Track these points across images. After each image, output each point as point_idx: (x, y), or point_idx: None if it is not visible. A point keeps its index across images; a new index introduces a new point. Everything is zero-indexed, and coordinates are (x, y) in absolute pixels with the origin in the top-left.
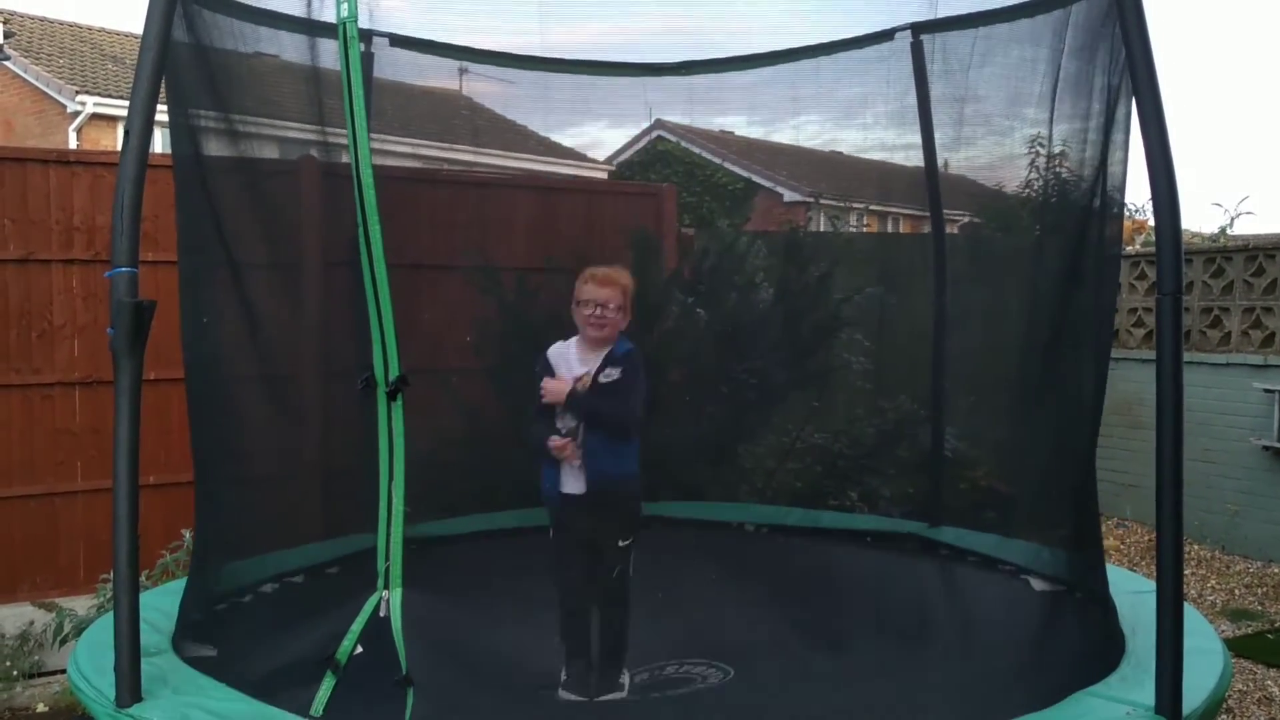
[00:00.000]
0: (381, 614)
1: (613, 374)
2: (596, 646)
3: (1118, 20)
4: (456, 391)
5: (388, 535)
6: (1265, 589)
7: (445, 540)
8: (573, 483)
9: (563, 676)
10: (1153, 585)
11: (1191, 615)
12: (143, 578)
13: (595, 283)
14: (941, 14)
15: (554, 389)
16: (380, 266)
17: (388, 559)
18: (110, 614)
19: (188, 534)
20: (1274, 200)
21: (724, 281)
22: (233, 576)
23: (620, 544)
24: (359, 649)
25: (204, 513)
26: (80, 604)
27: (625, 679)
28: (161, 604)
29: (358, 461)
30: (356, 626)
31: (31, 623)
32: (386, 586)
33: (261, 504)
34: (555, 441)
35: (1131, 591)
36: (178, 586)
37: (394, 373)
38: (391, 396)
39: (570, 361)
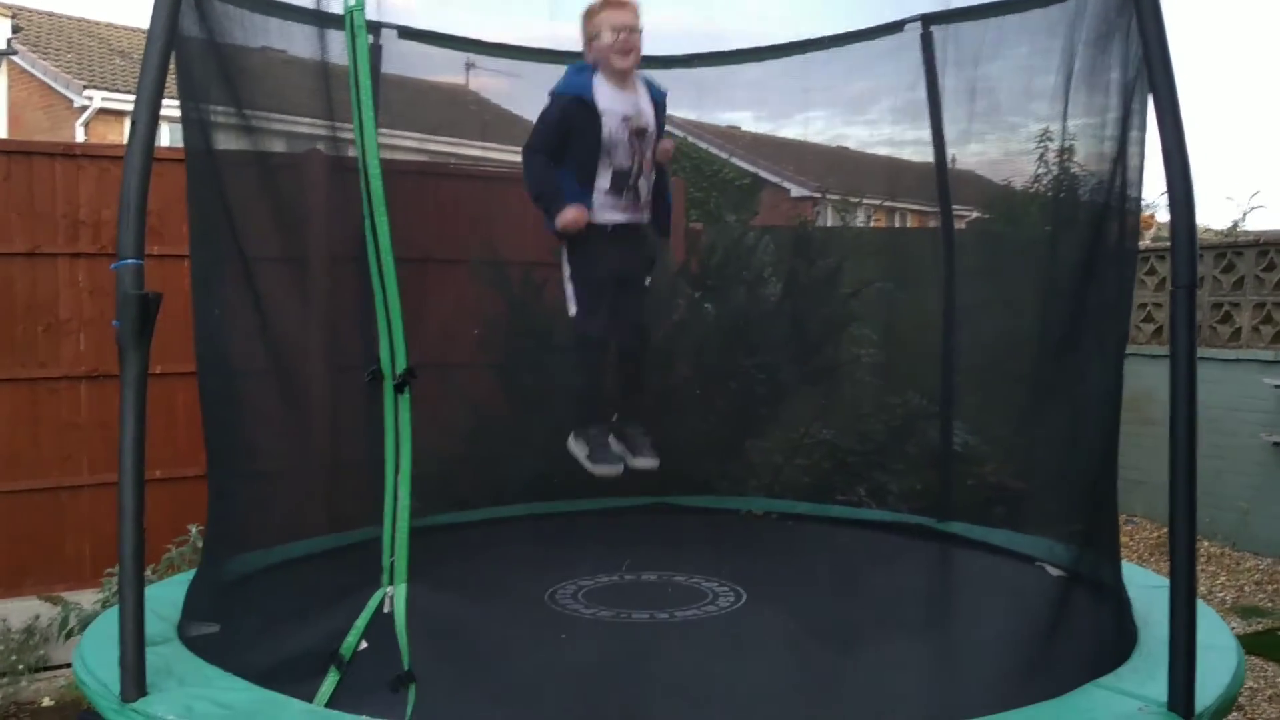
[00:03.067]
0: (385, 609)
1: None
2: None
3: (1133, 12)
4: (463, 386)
5: (393, 530)
6: (1276, 586)
7: (452, 532)
8: (633, 217)
9: (580, 445)
10: (1165, 580)
11: (1205, 611)
12: (149, 572)
13: (613, 9)
14: (953, 5)
15: (665, 149)
16: (388, 259)
17: (393, 554)
18: (115, 608)
19: (194, 529)
20: None
21: (732, 276)
22: (241, 568)
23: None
24: (363, 644)
25: (215, 505)
26: (86, 598)
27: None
28: (167, 596)
29: (366, 454)
30: (361, 622)
31: (37, 617)
32: (391, 582)
33: (272, 497)
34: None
35: (1143, 586)
36: (184, 579)
37: (401, 366)
38: (399, 390)
39: (617, 104)
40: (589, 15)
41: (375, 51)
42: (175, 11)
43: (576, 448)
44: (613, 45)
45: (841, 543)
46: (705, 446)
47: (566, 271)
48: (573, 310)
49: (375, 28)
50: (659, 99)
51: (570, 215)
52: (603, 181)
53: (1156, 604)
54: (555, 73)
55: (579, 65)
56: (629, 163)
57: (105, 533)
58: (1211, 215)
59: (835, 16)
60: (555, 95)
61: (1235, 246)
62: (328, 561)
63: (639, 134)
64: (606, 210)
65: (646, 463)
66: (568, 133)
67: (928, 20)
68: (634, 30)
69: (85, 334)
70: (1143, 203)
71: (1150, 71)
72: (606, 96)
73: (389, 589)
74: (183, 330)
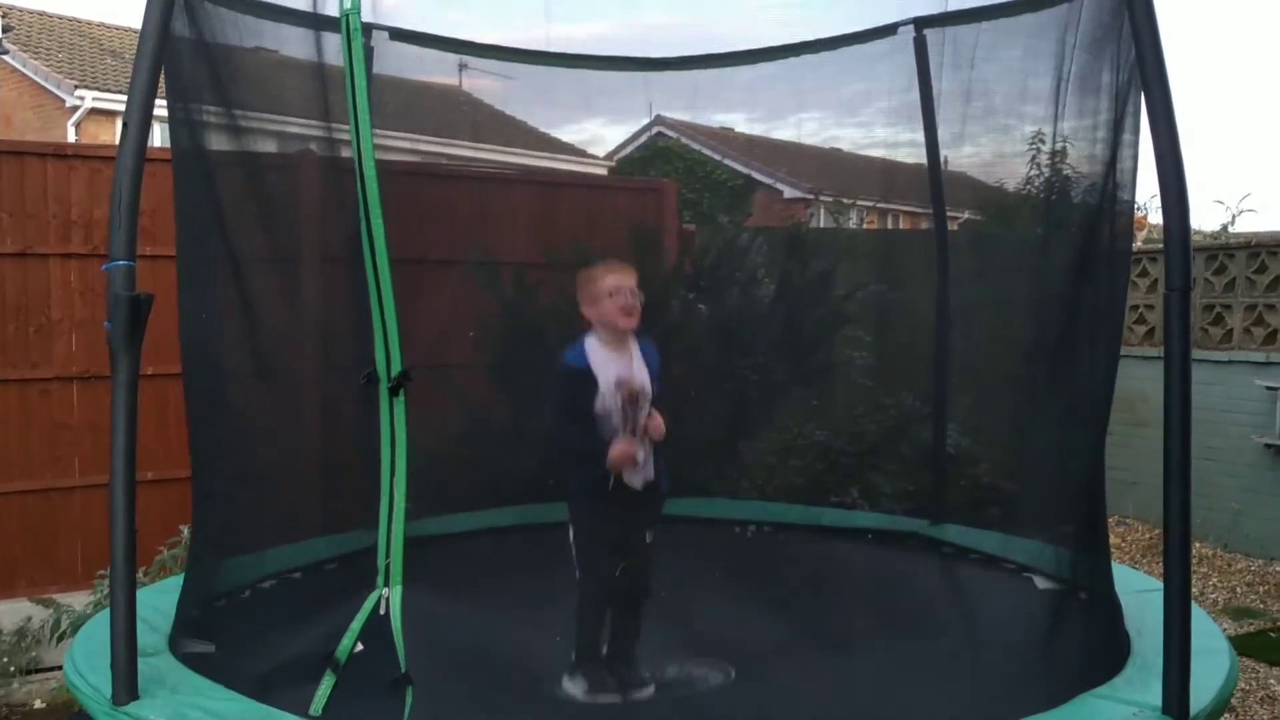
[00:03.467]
0: (381, 612)
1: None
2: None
3: (1127, 15)
4: (458, 387)
5: (389, 532)
6: (1267, 587)
7: (447, 536)
8: (637, 476)
9: (579, 682)
10: (1157, 584)
11: (1197, 615)
12: (140, 574)
13: (617, 273)
14: (948, 8)
15: (656, 426)
16: (383, 261)
17: (388, 556)
18: (107, 611)
19: (185, 530)
20: (1275, 196)
21: (726, 277)
22: (231, 574)
23: (649, 539)
24: (359, 647)
25: (201, 509)
26: (78, 600)
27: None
28: (159, 602)
29: (358, 457)
30: (356, 625)
31: (29, 619)
32: (387, 584)
33: (260, 500)
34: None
35: (1136, 590)
36: (175, 584)
37: (396, 369)
38: (393, 393)
39: (609, 368)
40: (589, 279)
41: (367, 53)
42: (168, 13)
43: (572, 686)
44: (620, 308)
45: (835, 557)
46: (700, 448)
47: (571, 533)
48: (578, 574)
49: (367, 29)
50: (652, 361)
51: (619, 449)
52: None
53: (1150, 607)
54: (549, 74)
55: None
56: (624, 429)
57: (97, 534)
58: (1202, 217)
59: (828, 19)
60: (564, 365)
61: (1227, 248)
62: (320, 565)
63: (632, 400)
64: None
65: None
66: (576, 396)
67: (921, 24)
68: (634, 292)
69: (77, 334)
70: (1135, 205)
71: (1144, 75)
72: (600, 362)
73: (384, 591)
74: (174, 331)
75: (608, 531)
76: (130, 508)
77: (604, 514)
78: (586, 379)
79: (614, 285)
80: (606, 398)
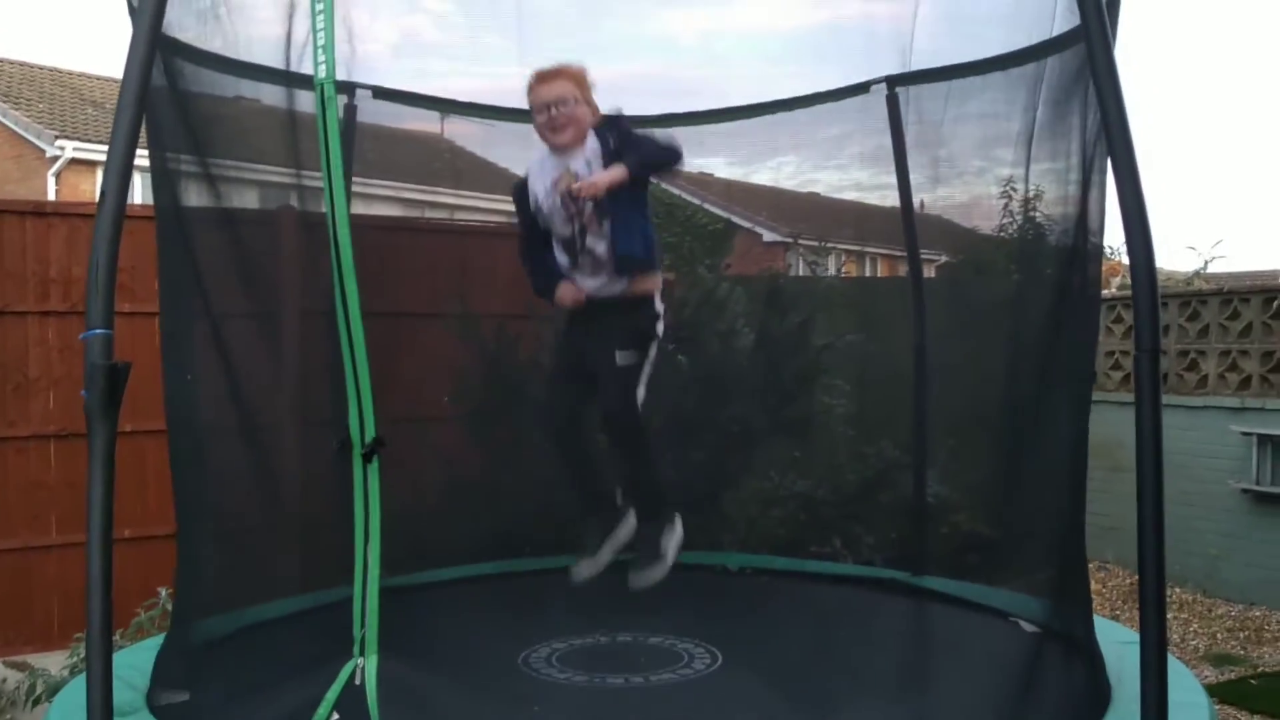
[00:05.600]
0: (357, 681)
1: (609, 145)
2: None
3: (1089, 79)
4: (435, 441)
5: (363, 600)
6: (1247, 633)
7: (424, 592)
8: (601, 285)
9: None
10: (1136, 636)
11: (1174, 667)
12: (117, 636)
13: (540, 85)
14: (915, 67)
15: (601, 179)
16: (357, 330)
17: (364, 625)
18: (83, 675)
19: (164, 591)
20: (1246, 237)
21: (705, 327)
22: (210, 632)
23: (628, 362)
24: (335, 717)
25: (183, 569)
26: (54, 660)
27: (672, 545)
28: (136, 661)
29: (336, 515)
30: (331, 695)
31: (4, 680)
32: (362, 653)
33: (242, 558)
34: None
35: (1116, 642)
36: (153, 644)
37: (370, 435)
38: (367, 459)
39: (546, 172)
40: (528, 89)
41: (350, 111)
42: (146, 83)
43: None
44: (543, 124)
45: (817, 600)
46: (679, 500)
47: None
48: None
49: (349, 88)
50: (608, 130)
51: (562, 293)
52: (560, 255)
53: (1128, 659)
54: (527, 125)
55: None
56: (569, 228)
57: (73, 593)
58: (1175, 260)
59: (803, 72)
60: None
61: (1200, 295)
62: (298, 625)
63: (569, 195)
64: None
65: (649, 576)
66: (523, 220)
67: (892, 81)
68: (562, 103)
69: (55, 393)
70: (1109, 250)
71: (1109, 139)
72: (537, 168)
73: (360, 660)
74: (153, 388)
75: (563, 354)
76: (107, 578)
77: (560, 336)
78: (522, 189)
79: (535, 101)
80: (542, 200)
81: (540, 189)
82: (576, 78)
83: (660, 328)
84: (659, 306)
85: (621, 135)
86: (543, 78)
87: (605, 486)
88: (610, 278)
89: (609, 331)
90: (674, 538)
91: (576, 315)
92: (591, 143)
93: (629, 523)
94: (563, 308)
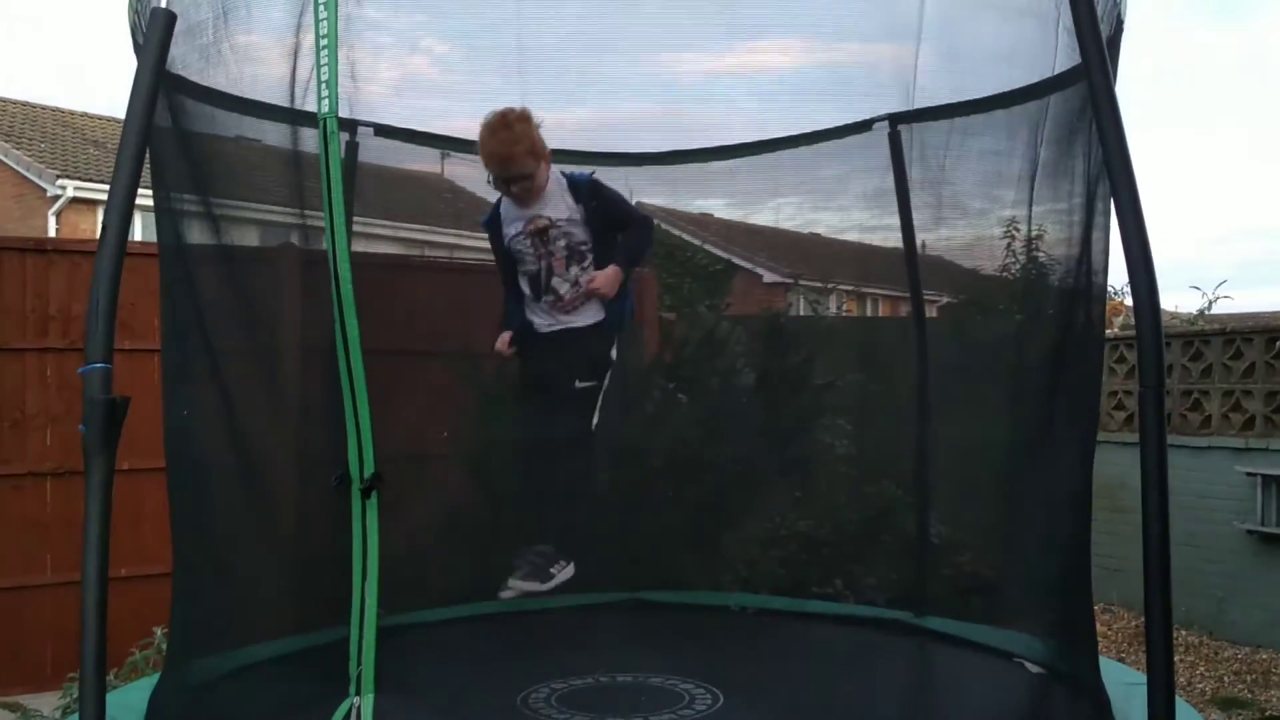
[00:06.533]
0: None
1: (592, 209)
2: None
3: (1093, 117)
4: (433, 479)
5: (360, 639)
6: (1254, 675)
7: (421, 632)
8: (565, 320)
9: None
10: (1142, 677)
11: (1182, 709)
12: (112, 677)
13: (495, 160)
14: (917, 105)
15: (606, 280)
16: (358, 366)
17: (360, 663)
18: (76, 716)
19: (159, 630)
20: (1249, 276)
21: (705, 367)
22: (206, 671)
23: (586, 385)
24: None
25: (180, 606)
26: (47, 702)
27: (559, 577)
28: (130, 700)
29: (336, 553)
30: None
31: None
32: (358, 692)
33: (239, 597)
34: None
35: (1122, 683)
36: (148, 683)
37: (369, 470)
38: (365, 495)
39: (518, 213)
40: (484, 157)
41: (352, 149)
42: (149, 120)
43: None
44: (510, 193)
45: (819, 640)
46: (680, 540)
47: None
48: None
49: (351, 126)
50: (581, 184)
51: (498, 342)
52: (525, 288)
53: (1135, 701)
54: None
55: None
56: (536, 265)
57: (67, 634)
58: (1179, 300)
59: (804, 111)
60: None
61: (1203, 335)
62: (294, 665)
63: (540, 234)
64: (534, 315)
65: (529, 585)
66: (496, 251)
67: (895, 120)
68: (524, 177)
69: (52, 430)
70: (1112, 290)
71: (1112, 178)
72: (509, 209)
73: (355, 699)
74: (151, 426)
75: (526, 379)
76: (101, 618)
77: (524, 366)
78: (494, 227)
79: (494, 175)
80: (513, 239)
81: (512, 229)
82: (525, 141)
83: (614, 354)
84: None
85: (603, 202)
86: (495, 156)
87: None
88: (564, 317)
89: (568, 361)
90: (565, 573)
91: (539, 346)
92: (569, 202)
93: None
94: (497, 351)
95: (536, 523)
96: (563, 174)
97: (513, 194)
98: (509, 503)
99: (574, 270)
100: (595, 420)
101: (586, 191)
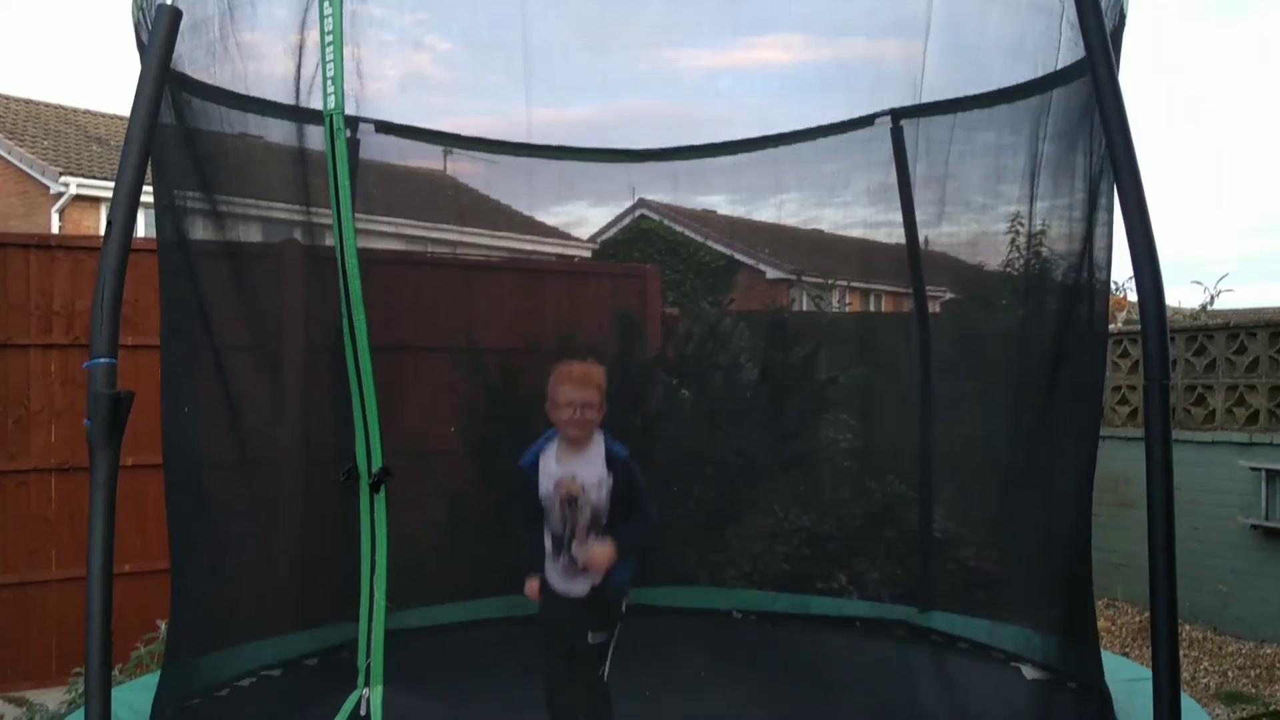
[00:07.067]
0: (362, 713)
1: (619, 483)
2: None
3: (1096, 111)
4: (440, 476)
5: (369, 631)
6: (1259, 670)
7: (429, 629)
8: (575, 584)
9: None
10: (1147, 672)
11: (1188, 705)
12: (116, 672)
13: (572, 384)
14: (923, 99)
15: (601, 557)
16: (365, 358)
17: (369, 656)
18: (82, 710)
19: (163, 625)
20: (1251, 270)
21: (709, 362)
22: (208, 670)
23: (598, 640)
24: None
25: (179, 603)
26: (51, 697)
27: None
28: (134, 700)
29: (339, 550)
30: None
31: (1, 716)
32: (367, 684)
33: (240, 594)
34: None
35: (1126, 679)
36: (151, 681)
37: (377, 464)
38: (374, 489)
39: (554, 466)
40: (551, 382)
41: (353, 145)
42: (155, 112)
43: None
44: (569, 420)
45: (822, 638)
46: (685, 535)
47: None
48: None
49: (353, 122)
50: (618, 455)
51: (527, 588)
52: (546, 543)
53: (1139, 696)
54: (530, 162)
55: (550, 432)
56: (561, 528)
57: (72, 629)
58: (1182, 295)
59: (807, 105)
60: (518, 463)
61: (1206, 329)
62: (299, 661)
63: (569, 501)
64: (551, 570)
65: None
66: (526, 495)
67: (897, 115)
68: (589, 406)
69: (56, 425)
70: (1114, 285)
71: (1116, 170)
72: (550, 460)
73: (365, 691)
74: (156, 421)
75: (541, 631)
76: (106, 611)
77: (541, 614)
78: (530, 476)
79: (566, 398)
80: (547, 495)
81: (548, 482)
82: (601, 386)
83: (624, 606)
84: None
85: (629, 482)
86: (574, 379)
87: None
88: (575, 581)
89: (581, 618)
90: None
91: (555, 603)
92: (601, 469)
93: None
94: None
95: None
96: (603, 437)
97: (572, 424)
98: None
99: (591, 540)
100: (605, 670)
101: (621, 464)
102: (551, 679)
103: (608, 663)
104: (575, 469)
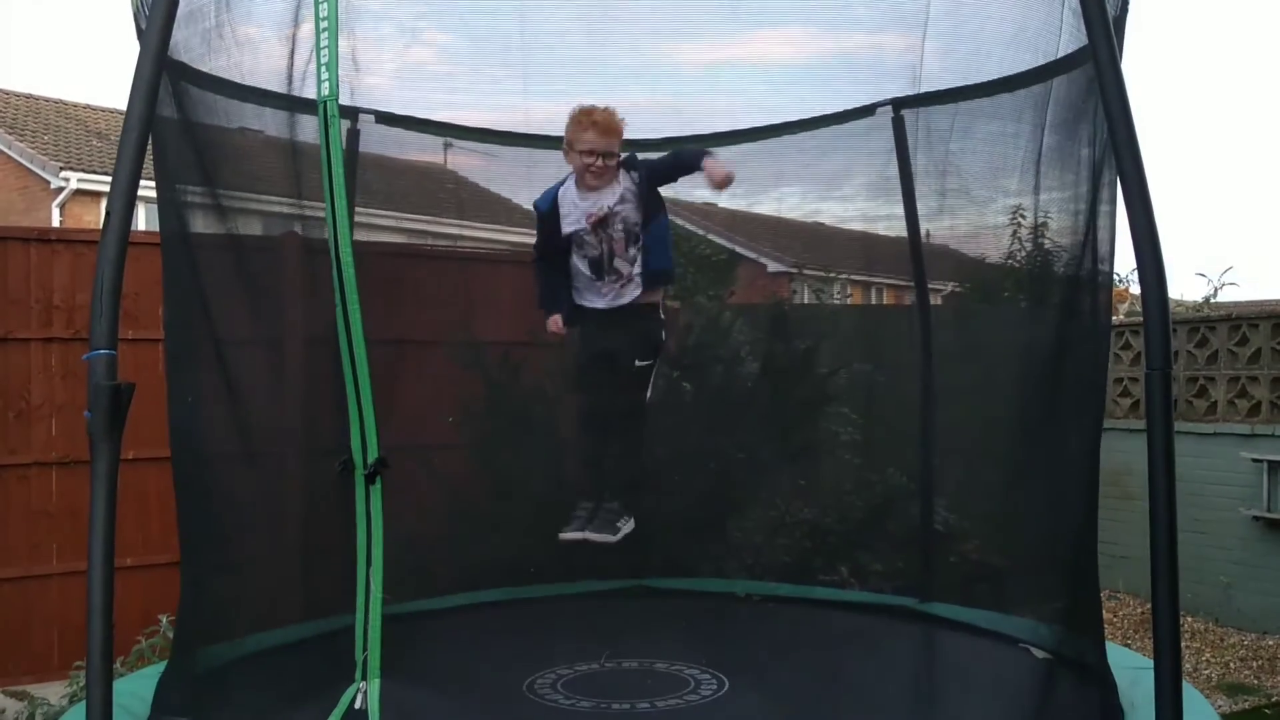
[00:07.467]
0: (358, 706)
1: (640, 182)
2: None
3: (1099, 96)
4: (439, 468)
5: (366, 623)
6: (1261, 662)
7: (427, 619)
8: (623, 295)
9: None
10: (1149, 662)
11: (1190, 694)
12: (118, 665)
13: (597, 131)
14: (923, 89)
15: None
16: (360, 349)
17: (365, 648)
18: (82, 704)
19: (164, 619)
20: (1257, 263)
21: (710, 355)
22: (212, 660)
23: (644, 364)
24: None
25: (188, 594)
26: (53, 690)
27: (624, 529)
28: (137, 688)
29: (339, 540)
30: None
31: (3, 710)
32: (364, 677)
33: (246, 585)
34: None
35: (1128, 668)
36: (154, 671)
37: (373, 455)
38: (370, 480)
39: (577, 202)
40: (572, 121)
41: (353, 136)
42: (153, 101)
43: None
44: (588, 168)
45: (824, 626)
46: (685, 527)
47: None
48: None
49: (352, 113)
50: (632, 160)
51: (550, 324)
52: (582, 268)
53: (1141, 685)
54: (530, 155)
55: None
56: (599, 250)
57: (74, 623)
58: (1185, 287)
59: (807, 96)
60: (535, 206)
61: (1208, 321)
62: (301, 651)
63: (601, 223)
64: (588, 295)
65: (600, 537)
66: (548, 236)
67: (898, 104)
68: (610, 155)
69: (57, 419)
70: (1117, 276)
71: (1118, 158)
72: (570, 200)
73: (362, 684)
74: (156, 415)
75: (582, 351)
76: (108, 604)
77: (580, 335)
78: (548, 218)
79: (582, 143)
80: (577, 228)
81: (572, 217)
82: (620, 132)
83: (664, 334)
84: (663, 314)
85: (649, 169)
86: (599, 126)
87: (607, 477)
88: (626, 291)
89: (628, 339)
90: (628, 525)
91: (599, 323)
92: (625, 181)
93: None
94: (553, 334)
95: (602, 481)
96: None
97: (592, 170)
98: (576, 461)
99: (632, 250)
100: (649, 394)
101: (635, 162)
102: (592, 404)
103: (649, 388)
104: (600, 200)
